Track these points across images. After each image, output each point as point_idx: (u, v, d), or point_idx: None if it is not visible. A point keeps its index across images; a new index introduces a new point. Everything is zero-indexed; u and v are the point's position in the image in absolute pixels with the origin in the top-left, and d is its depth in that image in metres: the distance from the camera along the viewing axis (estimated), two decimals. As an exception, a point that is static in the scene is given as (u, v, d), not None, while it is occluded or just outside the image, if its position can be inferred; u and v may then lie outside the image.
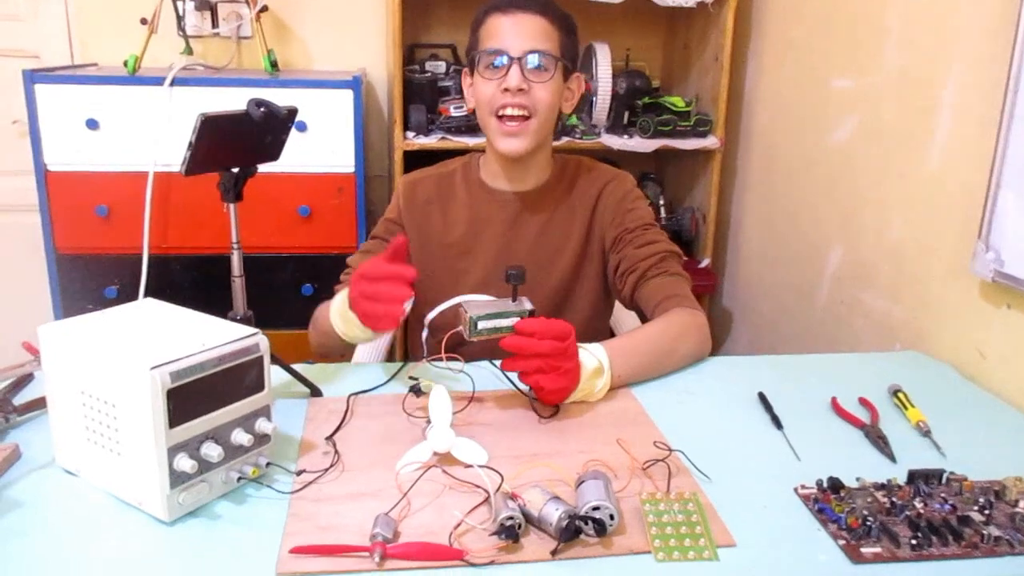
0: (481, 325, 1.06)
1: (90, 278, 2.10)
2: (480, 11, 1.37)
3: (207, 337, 0.88)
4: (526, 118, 1.33)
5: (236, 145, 1.00)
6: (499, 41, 1.32)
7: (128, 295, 2.09)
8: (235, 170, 1.01)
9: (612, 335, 1.61)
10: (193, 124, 0.93)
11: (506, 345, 1.08)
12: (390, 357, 1.69)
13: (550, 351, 1.08)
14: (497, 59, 1.32)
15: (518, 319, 1.07)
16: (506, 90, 1.31)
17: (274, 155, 1.05)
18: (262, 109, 0.97)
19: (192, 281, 2.12)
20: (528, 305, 1.09)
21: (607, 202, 1.46)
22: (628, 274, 1.41)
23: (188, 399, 0.84)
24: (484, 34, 1.36)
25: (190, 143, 0.93)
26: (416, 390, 1.10)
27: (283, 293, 2.15)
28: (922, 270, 1.56)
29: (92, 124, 2.00)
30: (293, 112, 1.03)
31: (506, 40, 1.32)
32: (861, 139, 1.78)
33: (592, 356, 1.17)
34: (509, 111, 1.32)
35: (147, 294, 2.07)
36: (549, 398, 1.13)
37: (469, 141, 2.15)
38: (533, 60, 1.31)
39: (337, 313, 1.22)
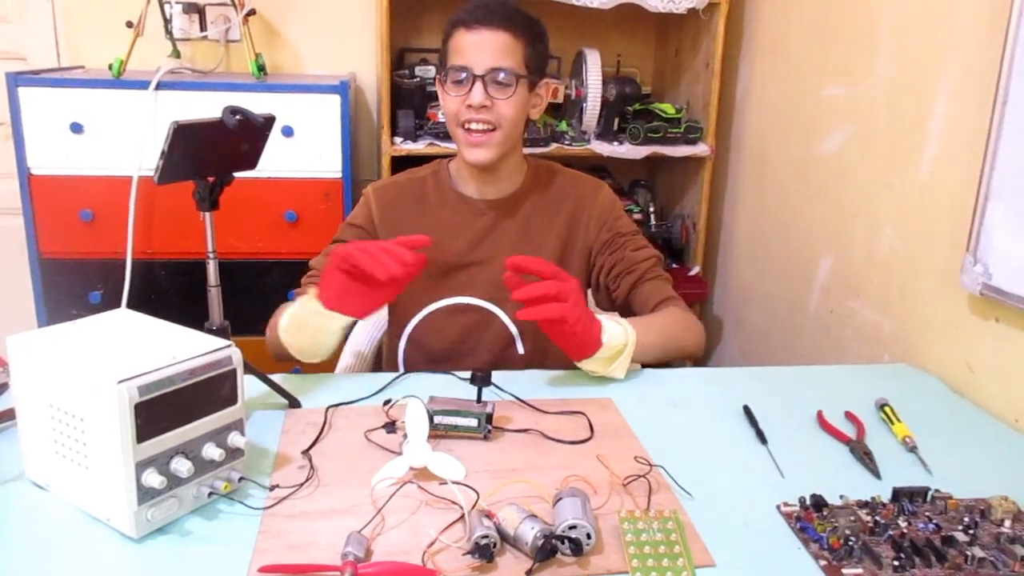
0: (437, 420, 1.06)
1: (74, 283, 2.08)
2: (448, 23, 1.39)
3: (178, 349, 0.87)
4: (491, 130, 1.36)
5: (211, 153, 0.98)
6: (463, 57, 1.34)
7: (113, 300, 2.07)
8: (210, 179, 0.99)
9: None
10: (166, 132, 0.91)
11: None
12: (376, 367, 1.67)
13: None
14: (461, 75, 1.34)
15: (475, 420, 1.07)
16: (470, 106, 1.34)
17: (251, 163, 1.04)
18: (238, 117, 0.95)
19: (177, 286, 2.10)
20: (489, 409, 1.08)
21: (594, 209, 1.48)
22: (624, 275, 1.45)
23: (157, 413, 0.82)
24: (451, 48, 1.37)
25: (163, 151, 0.92)
26: (389, 428, 1.07)
27: (269, 299, 2.11)
28: (912, 281, 1.54)
29: (76, 128, 1.98)
30: (270, 120, 1.01)
31: (470, 57, 1.34)
32: (852, 148, 1.77)
33: (615, 323, 1.25)
34: (474, 125, 1.35)
35: (131, 299, 2.06)
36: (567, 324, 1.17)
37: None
38: (496, 77, 1.33)
39: (291, 315, 1.23)
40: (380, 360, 1.69)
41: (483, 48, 1.33)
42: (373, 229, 1.46)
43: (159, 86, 1.98)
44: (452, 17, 1.38)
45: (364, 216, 1.48)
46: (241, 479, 0.92)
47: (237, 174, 1.04)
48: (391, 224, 1.45)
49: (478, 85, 1.33)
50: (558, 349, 1.41)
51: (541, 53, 1.41)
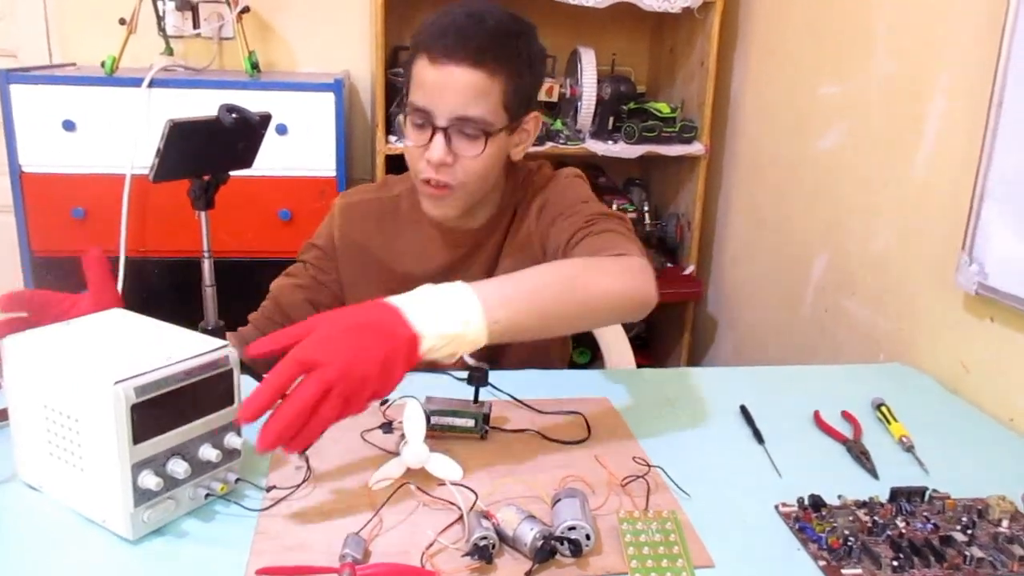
0: (434, 420, 1.05)
1: (66, 281, 2.05)
2: (413, 42, 1.16)
3: (174, 350, 0.86)
4: (452, 186, 1.16)
5: (207, 152, 0.97)
6: (424, 98, 1.12)
7: (105, 299, 2.05)
8: (206, 177, 0.99)
9: (571, 360, 1.53)
10: (161, 130, 0.90)
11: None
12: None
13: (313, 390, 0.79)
14: (420, 119, 1.13)
15: (472, 420, 1.05)
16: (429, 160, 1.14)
17: (247, 162, 1.03)
18: (234, 115, 0.94)
19: (170, 285, 2.09)
20: (486, 409, 1.07)
21: (535, 207, 1.27)
22: (555, 254, 1.20)
23: (153, 414, 0.81)
24: (414, 78, 1.15)
25: (158, 150, 0.91)
26: (386, 428, 1.07)
27: (262, 298, 2.11)
28: (907, 281, 1.55)
29: (69, 125, 1.97)
30: (267, 118, 1.01)
31: (432, 98, 1.11)
32: (847, 147, 1.77)
33: (442, 295, 0.90)
34: (432, 180, 1.16)
35: (124, 298, 2.04)
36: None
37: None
38: (462, 128, 1.12)
39: None
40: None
41: (447, 91, 1.10)
42: (333, 251, 1.32)
43: (152, 84, 1.97)
44: (417, 36, 1.14)
45: (326, 235, 1.33)
46: (238, 480, 0.91)
47: (232, 173, 1.03)
48: (353, 247, 1.32)
49: (438, 139, 1.11)
50: (552, 348, 1.35)
51: (529, 83, 1.17)
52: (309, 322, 0.84)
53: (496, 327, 0.89)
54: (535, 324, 0.95)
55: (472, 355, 1.26)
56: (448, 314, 0.87)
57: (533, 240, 1.25)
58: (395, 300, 0.87)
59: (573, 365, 1.75)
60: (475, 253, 1.29)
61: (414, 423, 0.97)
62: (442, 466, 0.96)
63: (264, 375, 1.10)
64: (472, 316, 0.88)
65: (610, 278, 1.02)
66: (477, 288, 0.90)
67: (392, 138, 2.16)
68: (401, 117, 1.20)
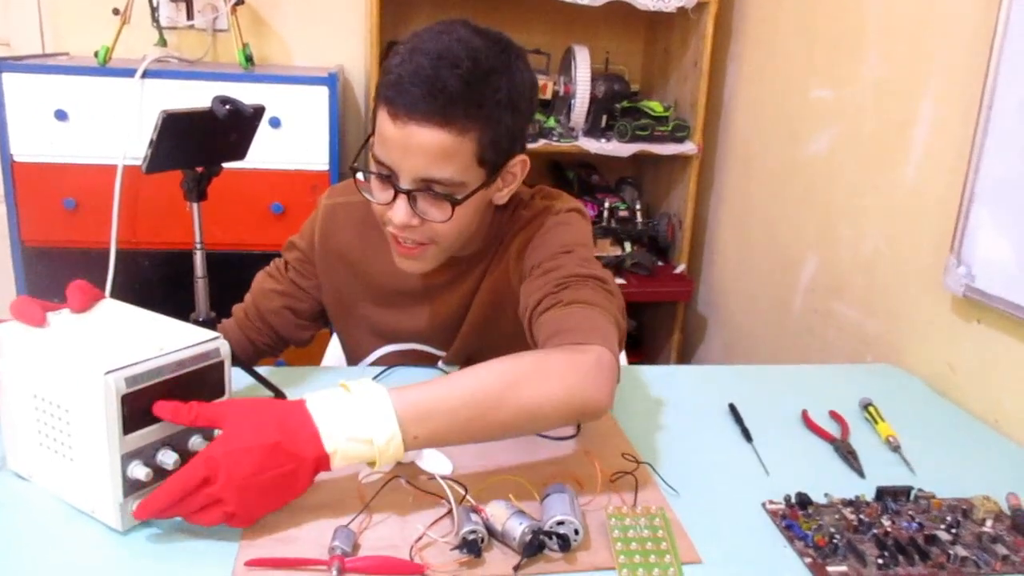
0: None
1: (57, 272, 2.06)
2: (378, 84, 1.02)
3: (166, 340, 0.86)
4: (424, 244, 1.07)
5: (200, 143, 0.97)
6: (386, 154, 1.00)
7: (95, 290, 2.05)
8: (199, 169, 0.99)
9: None
10: (155, 121, 0.90)
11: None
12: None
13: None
14: (384, 172, 1.02)
15: None
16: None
17: (240, 154, 1.03)
18: (227, 107, 0.94)
19: (161, 277, 2.09)
20: None
21: (519, 245, 1.16)
22: (524, 315, 1.07)
23: (144, 405, 0.81)
24: (378, 126, 1.01)
25: (151, 141, 0.91)
26: None
27: (254, 291, 2.12)
28: (896, 282, 1.56)
29: (61, 115, 1.97)
30: (260, 110, 1.01)
31: (393, 156, 0.99)
32: (838, 150, 1.78)
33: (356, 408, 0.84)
34: (400, 239, 1.06)
35: (114, 290, 2.04)
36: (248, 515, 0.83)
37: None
38: (428, 188, 1.00)
39: None
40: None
41: (408, 153, 0.97)
42: (313, 253, 1.26)
43: (145, 74, 1.97)
44: (381, 77, 1.01)
45: (308, 236, 1.26)
46: (227, 472, 0.91)
47: (225, 165, 1.03)
48: (332, 252, 1.25)
49: (400, 202, 1.00)
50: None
51: (511, 126, 1.01)
52: (221, 410, 0.84)
53: (416, 442, 0.86)
54: (457, 437, 0.89)
55: (452, 358, 1.26)
56: (364, 433, 0.83)
57: (511, 278, 1.17)
58: (313, 406, 0.84)
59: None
60: (457, 280, 1.21)
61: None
62: (432, 460, 0.96)
63: (255, 369, 1.12)
64: (391, 438, 0.83)
65: (553, 383, 0.90)
66: (399, 399, 0.85)
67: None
68: (365, 160, 1.07)
